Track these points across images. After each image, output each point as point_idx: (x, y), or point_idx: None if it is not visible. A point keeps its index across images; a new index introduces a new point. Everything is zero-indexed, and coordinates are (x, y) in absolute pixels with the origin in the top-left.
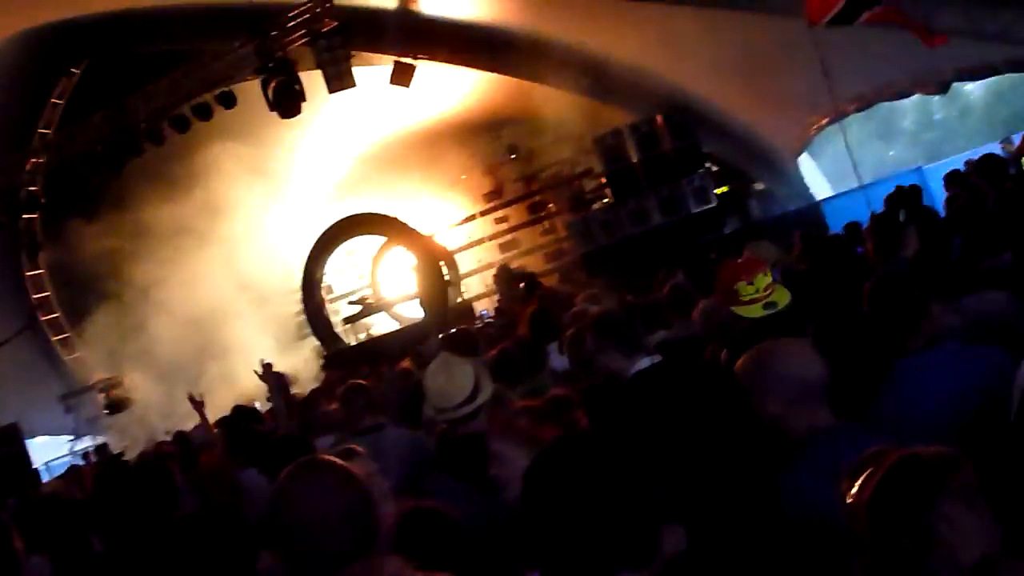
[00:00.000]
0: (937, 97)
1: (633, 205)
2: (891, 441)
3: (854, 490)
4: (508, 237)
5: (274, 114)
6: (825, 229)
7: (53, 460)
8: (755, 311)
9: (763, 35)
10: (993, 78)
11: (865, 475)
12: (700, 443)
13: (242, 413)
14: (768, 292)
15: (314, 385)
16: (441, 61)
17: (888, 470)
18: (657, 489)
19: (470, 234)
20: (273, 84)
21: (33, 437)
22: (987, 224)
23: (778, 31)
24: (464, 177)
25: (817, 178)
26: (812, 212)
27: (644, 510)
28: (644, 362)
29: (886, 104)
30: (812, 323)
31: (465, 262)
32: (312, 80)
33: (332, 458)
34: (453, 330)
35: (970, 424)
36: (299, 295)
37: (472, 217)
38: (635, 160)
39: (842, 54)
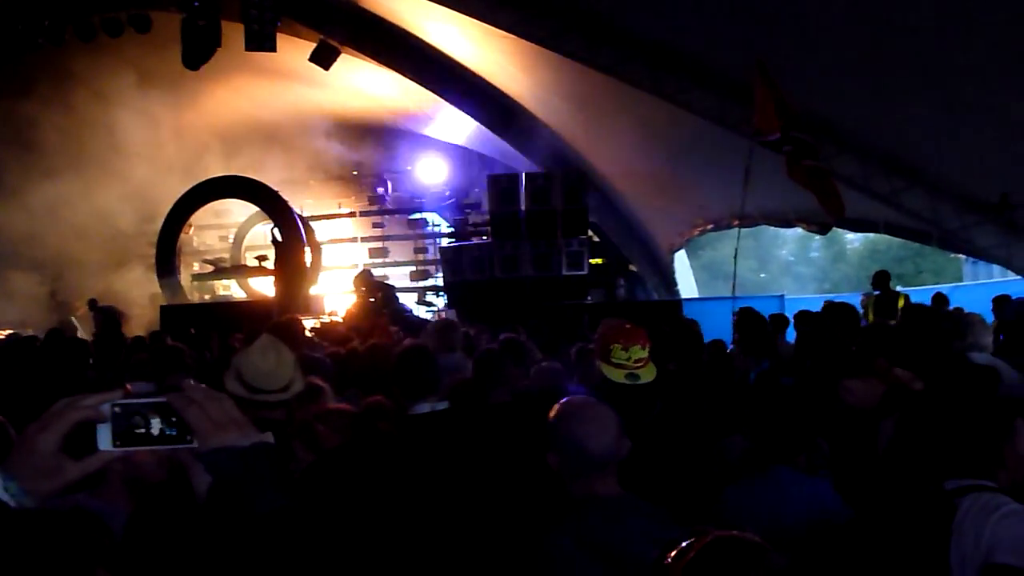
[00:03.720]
0: (819, 237)
1: (509, 250)
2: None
3: (673, 554)
4: (380, 244)
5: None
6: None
7: None
8: (617, 375)
9: (679, 130)
10: (872, 234)
11: (686, 543)
12: (462, 492)
13: (55, 337)
14: (637, 365)
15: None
16: (367, 56)
17: (711, 542)
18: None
19: (343, 230)
20: (193, 25)
21: None
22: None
23: (694, 131)
24: (355, 173)
25: (687, 277)
26: (672, 308)
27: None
28: (423, 407)
29: (771, 229)
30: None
31: (331, 256)
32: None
33: None
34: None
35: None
36: (156, 238)
37: (352, 214)
38: (523, 208)
39: (740, 171)
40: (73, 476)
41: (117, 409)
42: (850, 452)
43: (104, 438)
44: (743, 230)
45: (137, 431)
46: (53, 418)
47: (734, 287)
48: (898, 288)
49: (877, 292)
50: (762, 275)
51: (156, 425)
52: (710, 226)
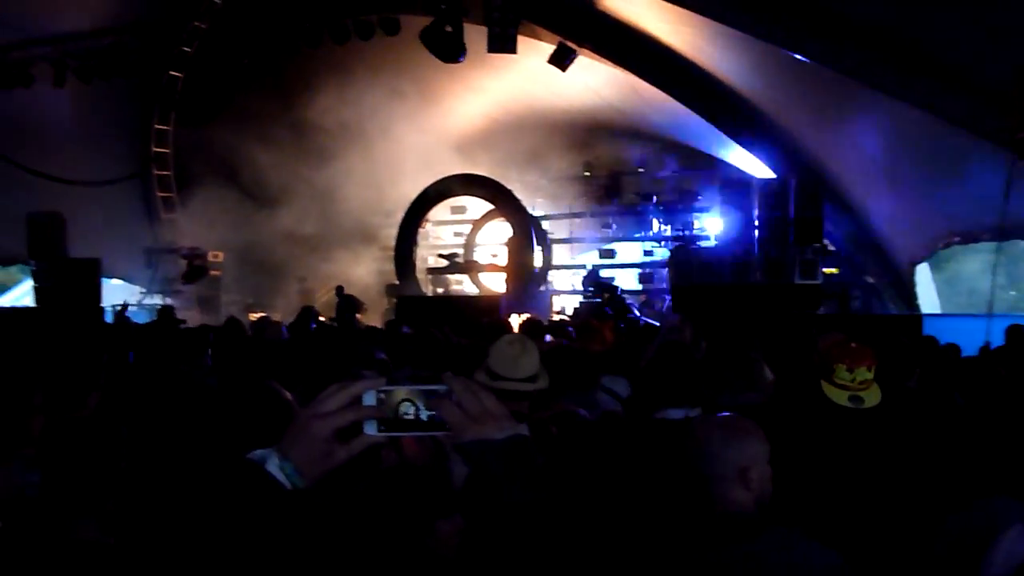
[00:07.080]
0: None
1: (739, 256)
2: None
3: None
4: (608, 244)
5: (425, 53)
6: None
7: (119, 305)
8: (840, 397)
9: (926, 136)
10: None
11: None
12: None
13: (308, 313)
14: (862, 386)
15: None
16: (604, 58)
17: None
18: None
19: (573, 230)
20: (439, 26)
21: (111, 278)
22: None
23: (943, 137)
24: (587, 174)
25: (929, 292)
26: (912, 323)
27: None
28: (677, 413)
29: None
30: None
31: (560, 255)
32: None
33: None
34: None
35: None
36: (396, 231)
37: (581, 214)
38: (756, 214)
39: (994, 181)
40: (340, 459)
41: (382, 395)
42: None
43: (370, 423)
44: (989, 243)
45: (400, 417)
46: (327, 404)
47: (991, 304)
48: None
49: None
50: (1011, 292)
51: (417, 412)
52: (957, 238)
